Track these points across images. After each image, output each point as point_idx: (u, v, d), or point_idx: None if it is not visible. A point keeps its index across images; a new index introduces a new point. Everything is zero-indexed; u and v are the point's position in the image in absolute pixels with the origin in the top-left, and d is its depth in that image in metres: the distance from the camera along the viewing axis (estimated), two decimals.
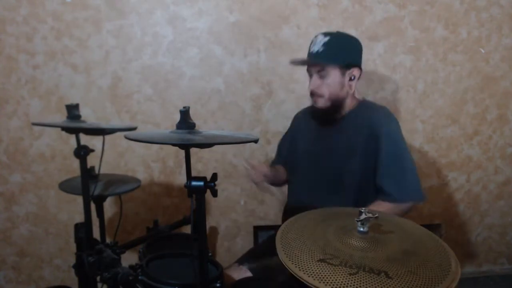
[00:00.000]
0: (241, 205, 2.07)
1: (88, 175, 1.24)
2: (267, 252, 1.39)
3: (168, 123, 1.92)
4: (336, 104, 1.42)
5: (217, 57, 1.90)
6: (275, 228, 1.02)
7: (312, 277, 0.76)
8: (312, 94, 1.43)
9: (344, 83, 1.40)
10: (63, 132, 1.22)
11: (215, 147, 0.93)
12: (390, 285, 0.74)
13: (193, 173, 0.88)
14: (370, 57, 1.98)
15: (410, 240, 0.94)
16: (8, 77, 1.79)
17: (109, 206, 1.95)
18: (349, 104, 1.45)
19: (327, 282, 0.74)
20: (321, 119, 1.49)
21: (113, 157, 1.91)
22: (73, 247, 1.33)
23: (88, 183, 1.23)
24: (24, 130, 1.85)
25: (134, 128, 1.26)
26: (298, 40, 1.91)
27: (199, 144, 0.87)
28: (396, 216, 1.10)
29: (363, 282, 0.74)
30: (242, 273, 1.37)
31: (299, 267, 0.80)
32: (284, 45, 1.92)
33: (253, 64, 1.93)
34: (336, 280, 0.75)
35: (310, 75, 1.44)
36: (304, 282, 0.76)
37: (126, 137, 0.88)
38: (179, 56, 1.87)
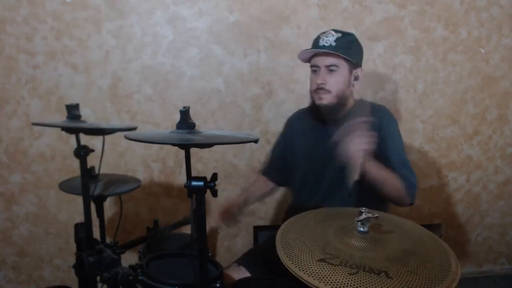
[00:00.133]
0: None
1: (88, 175, 1.24)
2: (266, 253, 1.39)
3: (168, 123, 1.92)
4: (341, 102, 1.41)
5: (217, 57, 1.90)
6: (275, 228, 1.02)
7: (312, 277, 0.76)
8: (318, 89, 1.39)
9: (350, 81, 1.41)
10: (63, 132, 1.22)
11: (215, 147, 0.93)
12: (390, 285, 0.74)
13: (193, 173, 0.87)
14: (370, 57, 1.98)
15: (410, 240, 0.94)
16: (8, 77, 1.79)
17: (109, 206, 1.95)
18: (349, 104, 1.45)
19: (327, 282, 0.74)
20: (324, 117, 1.46)
21: (113, 157, 1.91)
22: (73, 247, 1.33)
23: (88, 183, 1.24)
24: (24, 130, 1.85)
25: (134, 128, 1.26)
26: (298, 40, 1.91)
27: (199, 144, 0.87)
28: (396, 216, 1.11)
29: (363, 282, 0.74)
30: (241, 273, 1.37)
31: (299, 267, 0.80)
32: (284, 45, 1.92)
33: (253, 64, 1.93)
34: (336, 280, 0.75)
35: (314, 71, 1.41)
36: (304, 282, 0.76)
37: (126, 137, 0.88)
38: (179, 56, 1.88)
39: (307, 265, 0.80)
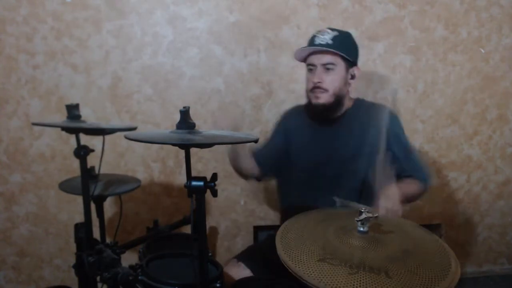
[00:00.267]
0: (241, 205, 2.07)
1: (88, 175, 1.24)
2: (265, 249, 1.39)
3: (168, 123, 1.92)
4: (338, 101, 1.39)
5: (217, 57, 1.90)
6: (275, 228, 1.02)
7: (312, 276, 0.76)
8: (314, 88, 1.37)
9: (347, 80, 1.40)
10: (63, 132, 1.22)
11: (215, 147, 0.93)
12: (390, 285, 0.74)
13: (193, 173, 0.87)
14: (370, 57, 1.98)
15: (410, 240, 0.94)
16: (8, 77, 1.79)
17: (109, 206, 1.95)
18: (346, 103, 1.44)
19: (327, 282, 0.74)
20: (321, 117, 1.45)
21: (113, 157, 1.91)
22: (73, 247, 1.32)
23: (88, 183, 1.23)
24: (24, 130, 1.85)
25: (134, 128, 1.26)
26: (298, 40, 1.91)
27: (199, 144, 0.87)
28: (396, 217, 1.11)
29: (363, 282, 0.74)
30: (240, 269, 1.37)
31: (299, 267, 0.80)
32: (284, 45, 1.92)
33: (253, 64, 1.93)
34: (336, 279, 0.75)
35: (311, 70, 1.39)
36: (304, 282, 0.76)
37: (126, 137, 0.88)
38: (179, 56, 1.88)
39: (307, 265, 0.80)
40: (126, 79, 1.86)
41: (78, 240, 1.30)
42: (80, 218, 1.25)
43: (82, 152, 1.19)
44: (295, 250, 0.87)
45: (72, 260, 1.29)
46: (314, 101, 1.39)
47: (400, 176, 1.41)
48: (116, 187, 1.47)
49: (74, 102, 1.25)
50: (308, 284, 0.76)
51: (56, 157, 1.89)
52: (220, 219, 2.07)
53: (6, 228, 1.93)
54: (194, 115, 0.94)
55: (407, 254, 0.85)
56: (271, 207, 2.08)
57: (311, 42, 1.39)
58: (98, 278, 1.16)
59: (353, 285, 0.73)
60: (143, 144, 1.88)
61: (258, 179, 1.63)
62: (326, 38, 1.35)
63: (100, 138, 1.21)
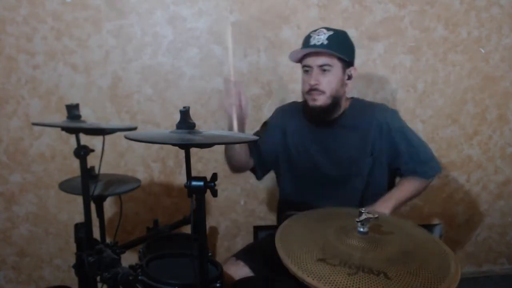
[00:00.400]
0: (241, 205, 2.07)
1: (88, 175, 1.24)
2: (265, 248, 1.39)
3: (168, 123, 1.92)
4: (335, 102, 1.37)
5: (217, 57, 1.90)
6: (275, 228, 1.02)
7: (312, 276, 0.76)
8: (311, 90, 1.34)
9: (344, 80, 1.37)
10: (63, 132, 1.22)
11: (215, 147, 0.93)
12: (389, 286, 0.74)
13: (193, 173, 0.87)
14: (370, 57, 1.98)
15: (410, 241, 0.94)
16: (8, 77, 1.79)
17: (109, 206, 1.95)
18: (343, 104, 1.43)
19: (327, 282, 0.74)
20: (319, 119, 1.42)
21: (113, 157, 1.91)
22: (73, 247, 1.32)
23: (88, 183, 1.23)
24: (24, 130, 1.85)
25: (134, 128, 1.26)
26: (298, 40, 1.89)
27: (199, 144, 0.87)
28: (396, 217, 1.11)
29: (362, 283, 0.74)
30: (239, 267, 1.36)
31: (298, 267, 0.80)
32: (284, 45, 1.92)
33: (253, 64, 1.93)
34: (335, 280, 0.75)
35: (306, 71, 1.36)
36: (304, 282, 0.76)
37: (126, 137, 0.88)
38: (179, 56, 1.87)
39: (307, 265, 0.80)
40: (126, 79, 1.86)
41: (78, 240, 1.30)
42: (80, 218, 1.25)
43: (82, 152, 1.19)
44: (295, 250, 0.87)
45: (72, 260, 1.28)
46: (311, 103, 1.36)
47: (402, 174, 1.42)
48: (116, 187, 1.47)
49: (74, 102, 1.25)
50: (307, 284, 0.76)
51: (56, 157, 1.89)
52: (220, 219, 2.07)
53: (6, 228, 1.93)
54: (194, 115, 0.94)
55: (407, 255, 0.85)
56: (271, 207, 2.08)
57: (306, 42, 1.36)
58: (98, 278, 1.16)
59: (352, 285, 0.73)
60: (143, 144, 1.88)
61: (258, 177, 1.60)
62: (321, 38, 1.32)
63: (100, 138, 1.21)
